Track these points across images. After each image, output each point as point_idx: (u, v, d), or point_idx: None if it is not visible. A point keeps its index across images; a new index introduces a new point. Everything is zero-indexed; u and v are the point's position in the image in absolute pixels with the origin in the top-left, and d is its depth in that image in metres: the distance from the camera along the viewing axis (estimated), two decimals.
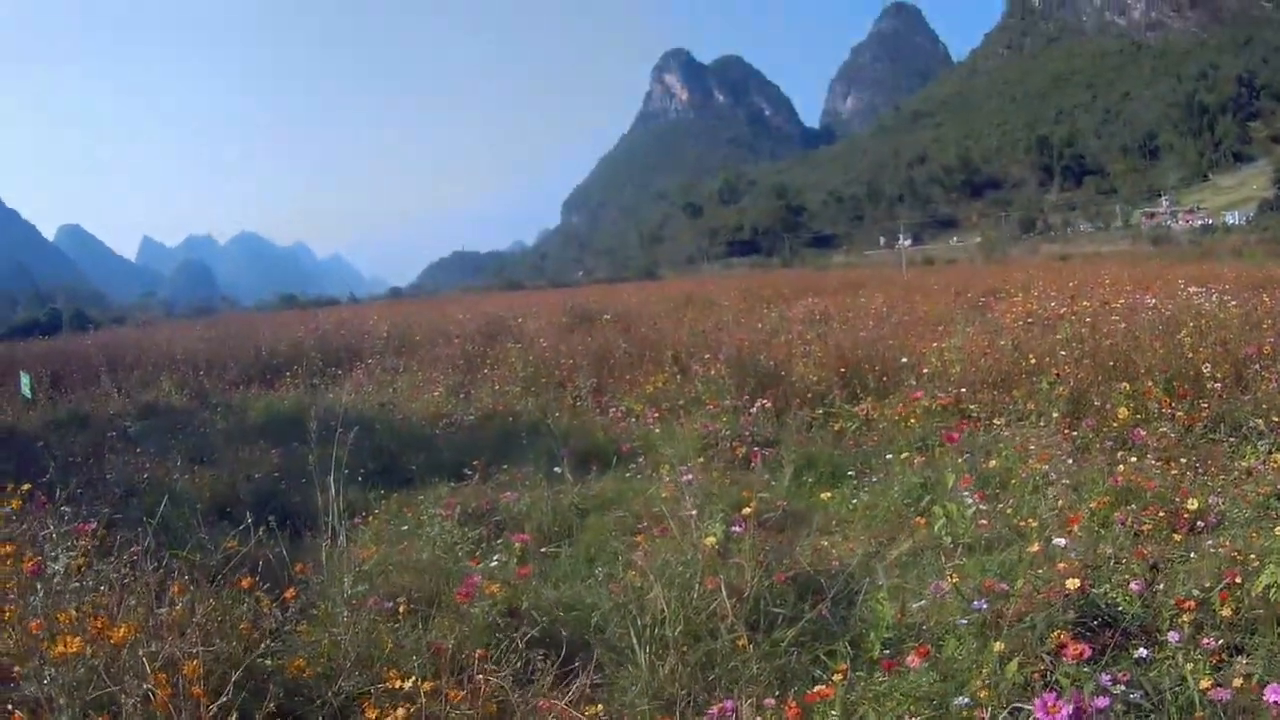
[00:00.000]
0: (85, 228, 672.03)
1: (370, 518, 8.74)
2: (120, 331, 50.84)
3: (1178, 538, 5.94)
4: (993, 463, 7.92)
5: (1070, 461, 7.73)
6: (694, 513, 6.32)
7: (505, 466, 10.32)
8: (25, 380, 18.95)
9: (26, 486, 6.61)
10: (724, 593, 5.15)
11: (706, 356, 14.50)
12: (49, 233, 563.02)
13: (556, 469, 9.38)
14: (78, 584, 5.02)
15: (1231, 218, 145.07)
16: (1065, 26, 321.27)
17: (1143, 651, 4.53)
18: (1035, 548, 5.55)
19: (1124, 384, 9.81)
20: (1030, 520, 6.45)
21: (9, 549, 5.20)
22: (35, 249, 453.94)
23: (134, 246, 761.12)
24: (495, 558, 6.49)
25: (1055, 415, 9.42)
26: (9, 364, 26.15)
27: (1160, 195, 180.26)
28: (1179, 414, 8.88)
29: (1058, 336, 12.47)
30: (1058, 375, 10.41)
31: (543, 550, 7.21)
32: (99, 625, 4.26)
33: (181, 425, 15.63)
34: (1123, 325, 12.27)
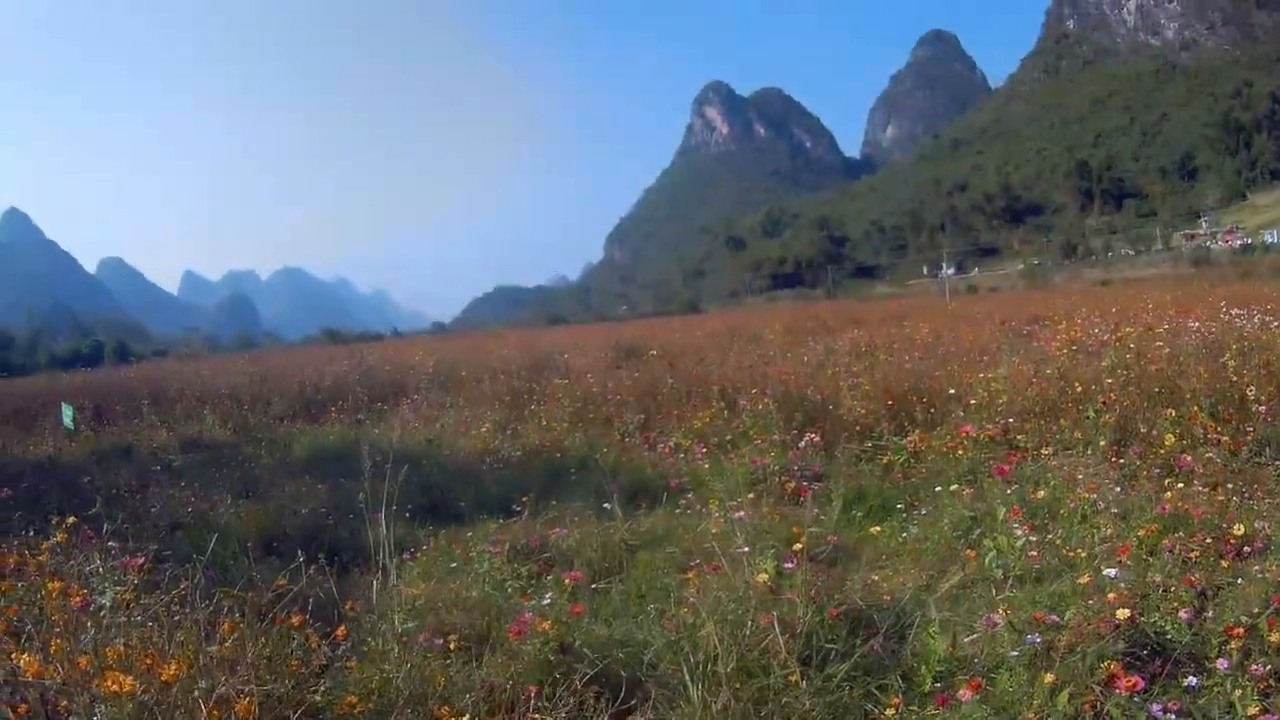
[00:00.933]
0: (127, 261, 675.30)
1: (419, 554, 8.75)
2: (163, 365, 51.01)
3: (1225, 564, 5.90)
4: (1041, 493, 7.82)
5: (1118, 490, 7.66)
6: (746, 549, 6.35)
7: (554, 503, 10.22)
8: (67, 411, 19.07)
9: (72, 520, 6.64)
10: (777, 629, 5.14)
11: (754, 391, 14.33)
12: (90, 265, 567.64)
13: (605, 505, 9.25)
14: (124, 618, 5.00)
15: (1270, 236, 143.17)
16: (1100, 49, 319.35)
17: (1192, 680, 4.51)
18: (1085, 578, 5.54)
19: (1169, 410, 9.71)
20: (1079, 550, 6.45)
21: (57, 585, 5.19)
22: (76, 281, 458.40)
23: (175, 280, 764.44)
24: (547, 595, 6.44)
25: (1102, 443, 9.34)
26: (51, 395, 26.33)
27: (1199, 216, 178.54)
28: (1224, 438, 8.78)
29: (1103, 364, 12.32)
30: (1104, 403, 10.31)
31: (593, 586, 7.17)
32: (149, 661, 4.25)
33: (226, 459, 15.61)
34: (1166, 350, 12.16)
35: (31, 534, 7.02)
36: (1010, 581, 6.07)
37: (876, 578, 6.86)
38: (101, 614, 5.02)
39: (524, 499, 9.94)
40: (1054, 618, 5.01)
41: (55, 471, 14.52)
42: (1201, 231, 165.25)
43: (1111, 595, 5.21)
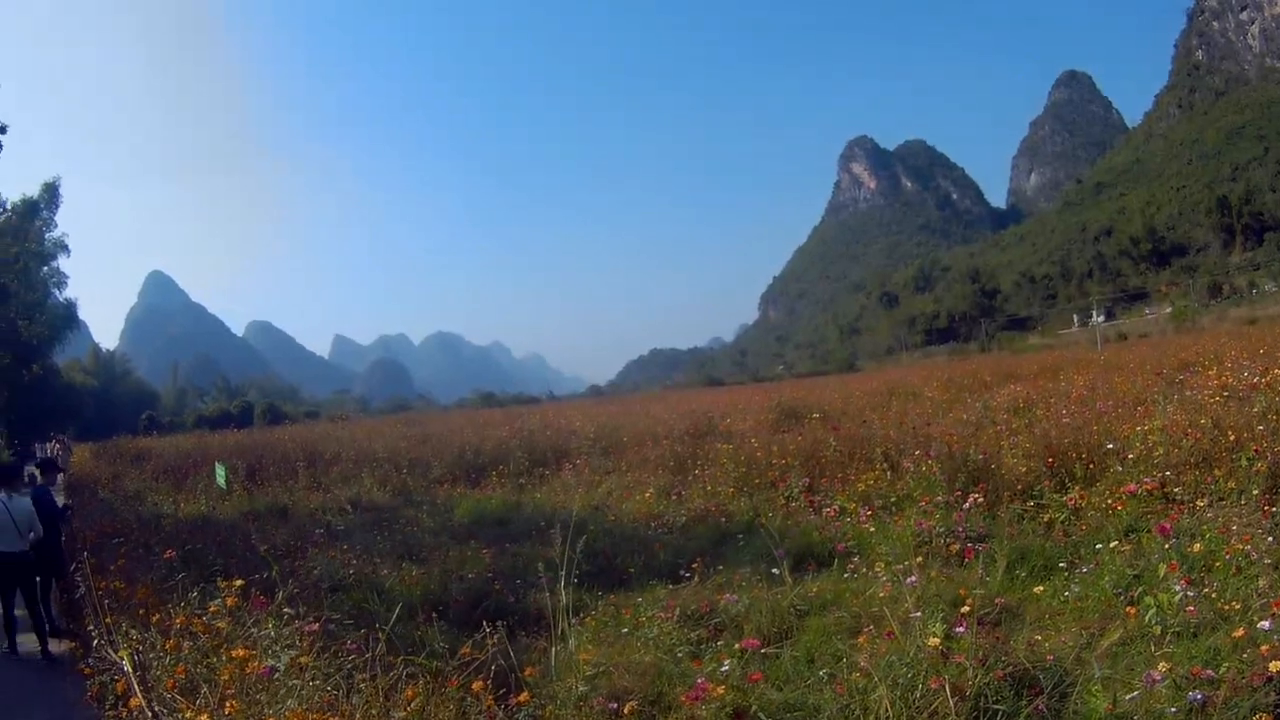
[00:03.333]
0: (275, 324, 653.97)
1: (587, 618, 8.83)
2: (315, 427, 51.39)
3: None
4: (1197, 546, 7.67)
5: (1270, 540, 7.50)
6: (917, 614, 6.43)
7: (721, 567, 10.28)
8: (221, 471, 19.19)
9: (239, 582, 6.83)
10: (947, 692, 5.17)
11: (917, 453, 14.06)
12: (238, 328, 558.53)
13: (774, 570, 9.18)
14: (296, 681, 5.14)
15: None
16: (1230, 78, 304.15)
17: None
18: (1240, 632, 5.54)
19: None
20: (1234, 603, 6.38)
21: (240, 653, 5.34)
22: (223, 344, 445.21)
23: (326, 344, 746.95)
24: (725, 662, 6.33)
25: (1255, 492, 9.16)
26: (201, 454, 26.83)
27: None
28: None
29: (1254, 410, 12.05)
30: (1256, 451, 10.10)
31: (763, 651, 7.07)
32: None
33: (386, 522, 15.71)
34: None
35: (195, 594, 7.37)
36: (1168, 637, 6.10)
37: (1040, 637, 6.76)
38: (276, 676, 5.23)
39: (692, 564, 10.04)
40: (1209, 673, 5.04)
41: (211, 531, 14.65)
42: None
43: (1265, 648, 5.22)
